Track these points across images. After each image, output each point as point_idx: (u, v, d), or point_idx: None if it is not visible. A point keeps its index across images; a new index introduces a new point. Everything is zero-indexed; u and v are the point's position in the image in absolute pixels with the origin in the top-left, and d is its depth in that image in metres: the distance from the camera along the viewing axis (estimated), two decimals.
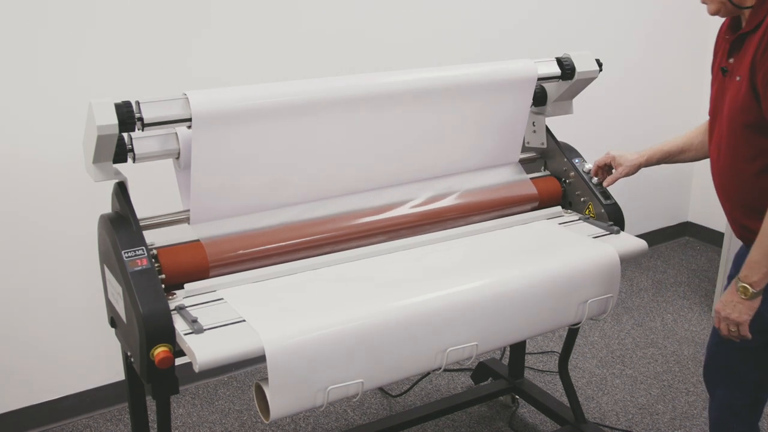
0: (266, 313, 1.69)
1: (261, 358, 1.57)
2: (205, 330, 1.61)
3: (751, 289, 1.71)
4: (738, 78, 1.72)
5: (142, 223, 1.78)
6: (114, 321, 1.85)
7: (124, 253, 1.65)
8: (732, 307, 1.76)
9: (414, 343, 1.75)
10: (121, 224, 1.72)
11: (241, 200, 1.90)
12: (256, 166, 1.86)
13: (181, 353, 1.62)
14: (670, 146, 2.09)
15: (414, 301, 1.77)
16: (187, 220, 1.88)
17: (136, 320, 1.58)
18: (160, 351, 1.56)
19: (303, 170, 1.94)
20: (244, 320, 1.65)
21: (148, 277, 1.63)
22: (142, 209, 1.80)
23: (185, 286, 1.78)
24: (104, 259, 1.80)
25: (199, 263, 1.81)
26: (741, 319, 1.76)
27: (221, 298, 1.77)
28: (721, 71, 1.82)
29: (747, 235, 1.84)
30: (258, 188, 1.90)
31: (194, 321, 1.63)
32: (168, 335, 1.59)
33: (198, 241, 1.84)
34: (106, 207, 1.85)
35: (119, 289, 1.68)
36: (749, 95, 1.69)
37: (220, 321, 1.65)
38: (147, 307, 1.58)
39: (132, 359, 1.72)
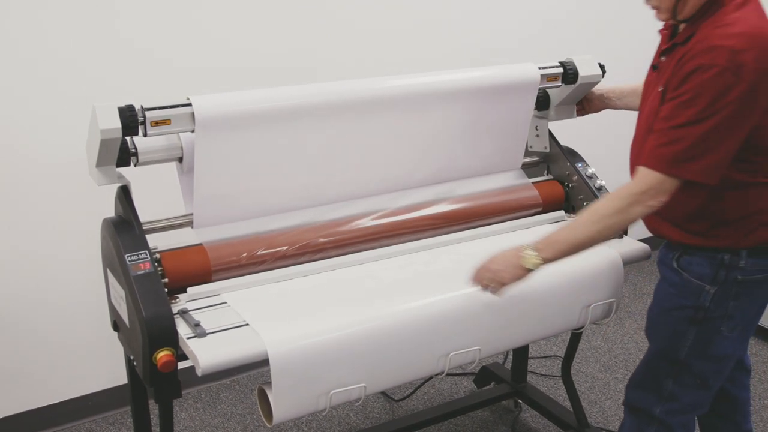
0: (269, 316, 1.69)
1: (264, 362, 1.57)
2: (208, 334, 1.62)
3: (535, 261, 1.70)
4: (660, 89, 1.72)
5: (145, 227, 1.78)
6: (117, 324, 1.86)
7: (127, 256, 1.66)
8: (507, 267, 1.73)
9: (417, 346, 1.75)
10: (124, 228, 1.73)
11: (245, 204, 1.90)
12: (260, 170, 1.87)
13: (184, 357, 1.63)
14: (630, 86, 2.14)
15: (416, 305, 1.77)
16: (190, 223, 1.88)
17: (139, 324, 1.58)
18: (162, 355, 1.57)
19: (308, 175, 1.94)
20: (247, 324, 1.66)
21: (151, 281, 1.64)
22: (145, 213, 1.80)
23: (188, 289, 1.79)
24: (107, 263, 1.81)
25: (202, 267, 1.82)
26: (507, 282, 1.74)
27: (224, 302, 1.77)
28: (652, 67, 1.83)
29: (657, 234, 1.86)
30: (262, 192, 1.91)
31: (197, 325, 1.63)
32: (171, 339, 1.59)
33: (201, 245, 1.85)
34: (110, 208, 1.86)
35: (122, 292, 1.69)
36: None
37: (223, 325, 1.66)
38: (150, 310, 1.58)
39: (135, 363, 1.72)
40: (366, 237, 1.99)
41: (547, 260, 1.71)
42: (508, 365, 3.01)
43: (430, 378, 3.00)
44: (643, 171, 1.65)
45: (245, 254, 1.85)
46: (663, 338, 1.86)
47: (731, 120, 1.57)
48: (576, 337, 2.47)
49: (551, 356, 3.30)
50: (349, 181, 2.02)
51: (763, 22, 1.63)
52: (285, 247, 1.90)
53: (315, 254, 1.95)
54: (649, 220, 1.85)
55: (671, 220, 1.80)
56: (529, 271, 1.71)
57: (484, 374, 2.97)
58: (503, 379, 2.86)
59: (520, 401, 2.90)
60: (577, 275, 1.95)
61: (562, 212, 2.31)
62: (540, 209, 2.29)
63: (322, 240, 1.95)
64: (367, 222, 2.02)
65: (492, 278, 1.75)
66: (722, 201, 1.71)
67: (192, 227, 1.88)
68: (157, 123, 1.67)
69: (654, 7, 1.71)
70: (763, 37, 1.57)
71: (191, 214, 1.87)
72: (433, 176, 2.14)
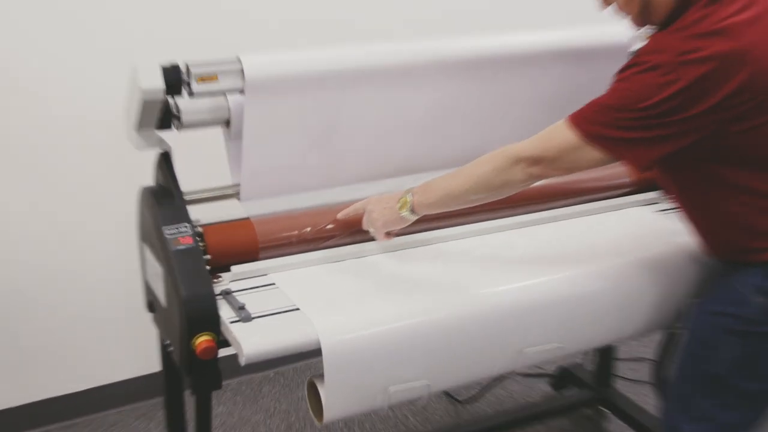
0: (322, 301, 1.69)
1: (315, 352, 1.56)
2: (253, 318, 1.61)
3: (407, 203, 1.76)
4: None
5: (186, 198, 1.79)
6: (152, 305, 1.88)
7: (166, 229, 1.68)
8: (381, 209, 1.80)
9: (487, 340, 1.73)
10: (164, 198, 1.75)
11: (298, 176, 1.90)
12: (316, 139, 1.86)
13: (225, 344, 1.63)
14: None
15: (487, 293, 1.75)
16: (236, 195, 1.88)
17: (178, 304, 1.59)
18: (202, 340, 1.56)
19: (367, 145, 1.93)
20: (297, 308, 1.65)
21: (192, 257, 1.65)
22: (186, 183, 1.81)
23: (232, 268, 1.78)
24: (144, 236, 1.82)
25: (249, 243, 1.82)
26: (380, 225, 1.80)
27: (272, 283, 1.76)
28: None
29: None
30: (317, 163, 1.90)
31: (241, 308, 1.63)
32: (212, 322, 1.59)
33: (248, 219, 1.85)
34: (148, 176, 1.87)
35: (159, 269, 1.70)
36: None
37: (270, 309, 1.65)
38: (190, 290, 1.59)
39: (170, 348, 1.74)
40: (430, 216, 1.92)
41: (420, 206, 1.75)
42: (591, 367, 2.96)
43: (502, 378, 2.96)
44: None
45: (296, 231, 1.87)
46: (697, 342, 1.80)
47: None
48: (671, 337, 2.37)
49: (641, 359, 3.24)
50: (414, 154, 2.00)
51: None
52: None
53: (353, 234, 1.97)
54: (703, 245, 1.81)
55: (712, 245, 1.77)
56: (402, 216, 1.77)
57: (563, 376, 2.94)
58: (585, 383, 2.82)
59: (603, 408, 2.85)
60: (674, 266, 1.91)
61: (656, 193, 2.25)
62: (630, 189, 2.24)
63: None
64: None
65: (368, 221, 1.83)
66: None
67: (239, 199, 1.88)
68: (203, 79, 1.67)
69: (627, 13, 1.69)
70: None
71: (238, 185, 1.87)
72: None
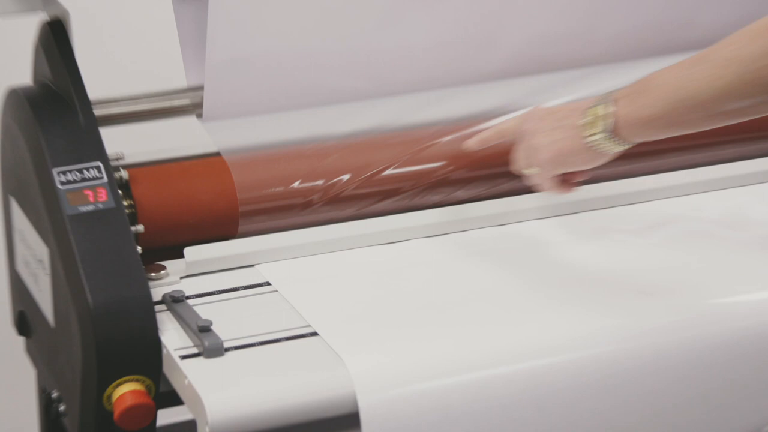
0: (359, 318, 1.30)
1: (343, 421, 1.15)
2: (227, 350, 1.21)
3: (608, 123, 1.31)
4: None
5: (98, 111, 1.41)
6: (25, 322, 1.59)
7: (58, 173, 1.31)
8: (553, 127, 1.39)
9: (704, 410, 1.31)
10: (54, 110, 1.38)
11: (311, 73, 1.57)
12: (324, 18, 1.55)
13: (171, 399, 1.27)
14: None
15: (710, 309, 1.33)
16: (194, 109, 1.52)
17: (78, 321, 1.25)
18: (126, 391, 1.22)
19: (412, 30, 1.60)
20: (314, 333, 1.25)
21: (109, 229, 1.29)
22: (96, 85, 1.46)
23: (186, 252, 1.39)
24: (9, 186, 1.54)
25: (220, 205, 1.46)
26: (543, 156, 1.38)
27: (265, 282, 1.39)
28: None
29: None
30: (347, 48, 1.58)
31: (204, 329, 1.23)
32: (146, 357, 1.25)
33: (217, 155, 1.48)
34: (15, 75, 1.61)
35: (43, 251, 1.36)
36: None
37: (259, 331, 1.26)
38: (103, 292, 1.23)
39: (61, 406, 1.42)
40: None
41: (630, 123, 1.30)
42: None
43: None
44: None
45: (321, 181, 1.51)
46: None
47: None
48: None
49: None
50: (554, 35, 1.67)
51: None
52: (380, 171, 1.54)
53: (421, 193, 1.58)
54: None
55: None
56: (592, 145, 1.34)
57: None
58: None
59: None
60: None
61: None
62: None
63: (429, 165, 1.58)
64: None
65: (527, 153, 1.42)
66: None
67: (199, 117, 1.52)
68: None
69: None
70: None
71: (197, 90, 1.51)
72: (618, 47, 1.75)
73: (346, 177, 1.56)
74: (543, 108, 1.44)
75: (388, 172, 1.56)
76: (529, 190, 1.56)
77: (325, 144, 1.58)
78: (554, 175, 1.40)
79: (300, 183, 1.51)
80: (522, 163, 1.44)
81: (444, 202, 1.60)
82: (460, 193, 1.62)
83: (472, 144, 1.54)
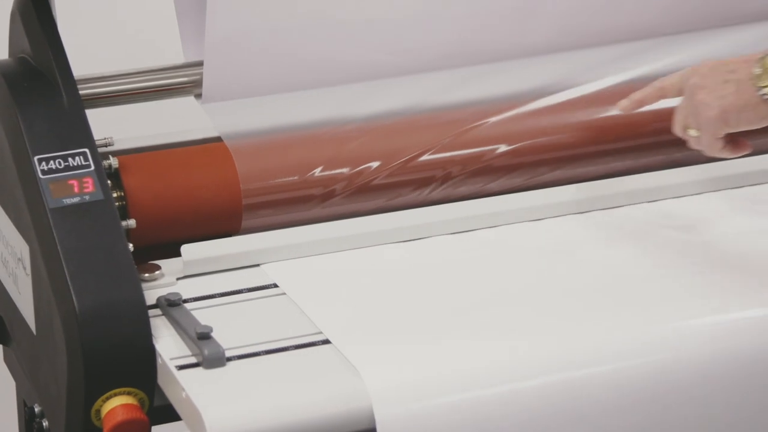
0: (375, 326, 1.27)
1: None
2: (229, 359, 1.19)
3: None
4: None
5: (84, 90, 1.37)
6: (3, 328, 1.58)
7: (39, 160, 1.29)
8: (721, 80, 1.34)
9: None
10: (34, 89, 1.35)
11: (320, 49, 1.53)
12: None
13: (167, 413, 1.24)
14: None
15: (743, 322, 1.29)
16: (191, 88, 1.48)
17: (63, 327, 1.21)
18: (117, 405, 1.18)
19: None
20: (326, 340, 1.22)
21: (97, 224, 1.27)
22: (82, 61, 1.44)
23: (183, 250, 1.36)
24: None
25: (222, 197, 1.43)
26: (709, 113, 1.34)
27: (271, 284, 1.35)
28: None
29: None
30: (357, 25, 1.55)
31: (204, 336, 1.20)
32: (139, 367, 1.21)
33: (219, 140, 1.45)
34: None
35: (23, 248, 1.35)
36: None
37: (265, 339, 1.23)
38: (91, 295, 1.20)
39: (45, 420, 1.41)
40: (554, 149, 1.58)
41: None
42: None
43: None
44: None
45: (346, 169, 1.48)
46: None
47: None
48: None
49: None
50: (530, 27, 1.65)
51: None
52: (378, 164, 1.52)
53: (445, 185, 1.55)
54: None
55: None
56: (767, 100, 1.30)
57: None
58: None
59: None
60: None
61: None
62: None
63: (453, 154, 1.55)
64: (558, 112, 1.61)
65: (690, 119, 1.37)
66: None
67: (198, 98, 1.49)
68: None
69: None
70: None
71: (195, 67, 1.47)
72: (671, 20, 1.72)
73: (375, 164, 1.53)
74: (709, 61, 1.39)
75: (424, 158, 1.53)
76: (570, 180, 1.56)
77: (345, 127, 1.54)
78: (720, 132, 1.36)
79: (321, 171, 1.48)
80: (684, 123, 1.41)
81: (476, 194, 1.56)
82: (494, 186, 1.57)
83: (625, 105, 1.52)
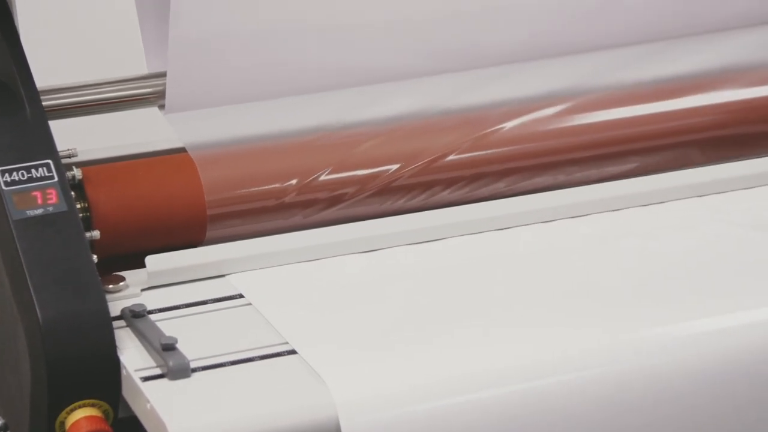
0: (341, 336, 1.27)
1: None
2: (194, 370, 1.16)
3: None
4: None
5: (47, 101, 1.39)
6: None
7: (2, 172, 1.28)
8: None
9: None
10: None
11: (287, 62, 1.52)
12: None
13: (131, 425, 1.19)
14: None
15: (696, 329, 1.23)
16: (154, 98, 1.48)
17: (26, 338, 1.20)
18: (81, 417, 1.16)
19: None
20: (292, 351, 1.22)
21: (60, 235, 1.25)
22: (45, 71, 1.43)
23: (147, 261, 1.33)
24: None
25: (186, 207, 1.42)
26: None
27: (237, 294, 1.33)
28: None
29: None
30: (342, 27, 1.52)
31: (168, 347, 1.19)
32: (103, 378, 1.19)
33: (183, 151, 1.44)
34: None
35: None
36: None
37: (231, 350, 1.21)
38: (54, 306, 1.19)
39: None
40: (562, 152, 1.51)
41: None
42: None
43: None
44: None
45: (294, 180, 1.46)
46: None
47: None
48: None
49: None
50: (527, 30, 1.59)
51: None
52: (366, 172, 1.50)
53: (428, 191, 1.53)
54: None
55: None
56: None
57: None
58: None
59: None
60: None
61: None
62: None
63: (439, 160, 1.52)
64: (549, 119, 1.54)
65: None
66: None
67: (161, 108, 1.48)
68: None
69: None
70: None
71: (158, 78, 1.46)
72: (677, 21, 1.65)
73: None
74: None
75: (383, 167, 1.51)
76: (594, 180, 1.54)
77: (310, 137, 1.52)
78: None
79: (284, 181, 1.47)
80: None
81: (434, 205, 1.54)
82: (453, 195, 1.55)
83: None
